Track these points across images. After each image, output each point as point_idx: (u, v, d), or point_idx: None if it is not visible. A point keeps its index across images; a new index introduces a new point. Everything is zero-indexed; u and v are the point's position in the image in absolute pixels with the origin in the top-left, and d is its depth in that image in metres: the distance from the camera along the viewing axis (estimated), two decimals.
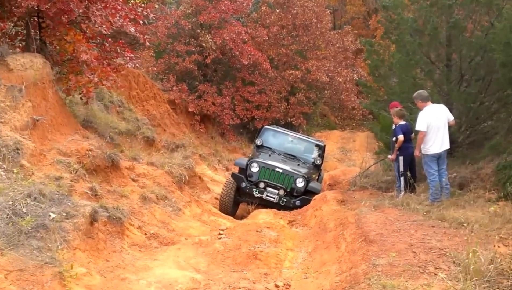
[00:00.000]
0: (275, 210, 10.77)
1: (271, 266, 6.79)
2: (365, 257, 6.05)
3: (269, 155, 12.23)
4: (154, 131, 15.45)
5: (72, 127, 9.12)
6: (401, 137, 8.97)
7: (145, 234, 7.21)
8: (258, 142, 12.86)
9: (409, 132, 9.19)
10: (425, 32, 9.71)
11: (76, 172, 7.33)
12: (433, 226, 6.73)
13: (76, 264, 5.19)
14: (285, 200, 11.18)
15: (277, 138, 13.43)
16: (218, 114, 20.99)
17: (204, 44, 20.66)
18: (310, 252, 7.45)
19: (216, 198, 12.30)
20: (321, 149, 13.45)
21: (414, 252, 5.86)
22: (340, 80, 23.36)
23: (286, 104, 22.90)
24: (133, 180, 8.76)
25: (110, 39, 10.36)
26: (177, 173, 10.05)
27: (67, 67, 9.63)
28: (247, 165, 11.69)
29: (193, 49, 20.94)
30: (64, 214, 5.57)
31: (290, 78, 22.40)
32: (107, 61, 10.18)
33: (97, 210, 6.07)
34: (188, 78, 21.80)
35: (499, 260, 5.28)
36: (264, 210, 10.58)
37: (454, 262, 5.50)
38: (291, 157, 12.55)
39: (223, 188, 11.64)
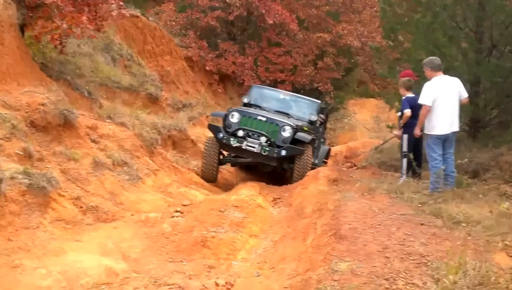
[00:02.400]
0: (264, 184, 9.57)
1: (220, 257, 5.62)
2: (327, 257, 4.82)
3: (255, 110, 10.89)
4: (159, 88, 14.45)
5: (36, 77, 8.04)
6: (407, 112, 7.54)
7: (81, 207, 6.04)
8: (245, 100, 11.31)
9: (418, 106, 7.71)
10: None
11: (12, 128, 6.23)
12: (422, 224, 5.42)
13: None
14: (267, 149, 9.63)
15: (267, 96, 11.96)
16: (238, 74, 19.97)
17: (228, 0, 19.35)
18: (277, 241, 6.22)
19: None
20: (318, 107, 11.88)
21: (387, 257, 4.61)
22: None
23: (313, 68, 21.35)
24: (93, 141, 7.61)
25: None
26: (148, 137, 8.83)
27: (38, 12, 8.53)
28: (226, 115, 10.33)
29: (217, 5, 19.72)
30: None
31: (319, 41, 20.86)
32: (87, 7, 9.01)
33: (1, 178, 4.97)
34: (210, 36, 20.66)
35: (492, 278, 4.04)
36: (250, 183, 9.40)
37: (433, 276, 4.23)
38: (282, 113, 10.96)
39: (204, 149, 10.31)
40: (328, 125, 22.10)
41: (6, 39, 7.49)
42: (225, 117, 10.29)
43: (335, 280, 4.21)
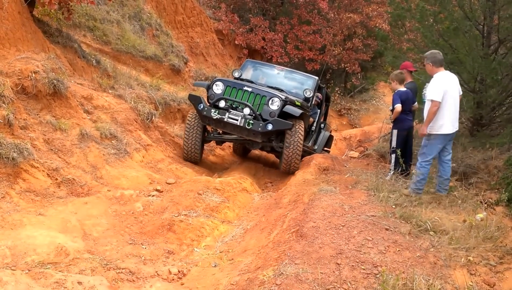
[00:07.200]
0: (261, 165, 9.15)
1: (184, 242, 5.36)
2: (281, 256, 4.52)
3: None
4: (183, 60, 14.15)
5: (38, 43, 7.76)
6: (398, 107, 6.93)
7: (56, 179, 5.82)
8: (236, 74, 9.63)
9: (410, 101, 7.13)
10: None
11: None
12: (387, 229, 4.99)
13: None
14: (251, 122, 8.22)
15: (261, 71, 10.57)
16: (266, 50, 19.40)
17: None
18: (248, 229, 5.90)
19: None
20: (315, 84, 10.30)
21: (338, 264, 4.27)
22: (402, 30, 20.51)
23: (341, 48, 20.58)
24: (86, 112, 7.33)
25: None
26: (144, 111, 8.40)
27: None
28: (209, 85, 8.91)
29: None
30: None
31: (348, 21, 20.02)
32: None
33: None
34: (242, 10, 20.17)
35: None
36: (247, 164, 8.99)
37: None
38: (276, 89, 9.32)
39: (186, 126, 8.92)
40: (352, 106, 21.56)
41: (5, 3, 7.19)
42: (208, 88, 8.89)
43: (277, 285, 3.92)
